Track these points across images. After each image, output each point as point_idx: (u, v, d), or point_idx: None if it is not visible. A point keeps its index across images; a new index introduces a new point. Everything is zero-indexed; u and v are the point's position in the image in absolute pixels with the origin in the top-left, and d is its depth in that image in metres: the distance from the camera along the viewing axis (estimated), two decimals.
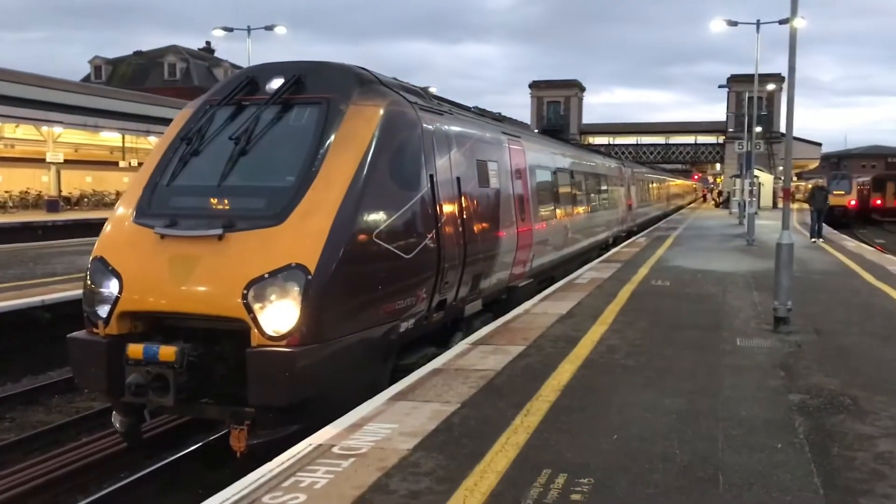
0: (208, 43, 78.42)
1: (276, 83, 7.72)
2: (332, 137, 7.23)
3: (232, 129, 7.51)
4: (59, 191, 38.62)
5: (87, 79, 68.15)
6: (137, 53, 74.50)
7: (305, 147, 7.21)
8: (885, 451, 5.31)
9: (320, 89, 7.63)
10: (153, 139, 41.44)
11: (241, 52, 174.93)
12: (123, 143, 42.40)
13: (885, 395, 6.67)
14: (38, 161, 38.18)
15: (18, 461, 8.00)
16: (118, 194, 43.69)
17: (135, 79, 68.20)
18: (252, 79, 7.92)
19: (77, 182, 43.75)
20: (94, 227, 29.59)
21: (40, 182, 40.51)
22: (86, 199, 41.41)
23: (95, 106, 38.61)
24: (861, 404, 6.40)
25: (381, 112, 7.62)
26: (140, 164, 41.06)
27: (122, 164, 43.66)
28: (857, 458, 5.18)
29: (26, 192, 39.76)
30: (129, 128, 39.82)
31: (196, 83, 68.42)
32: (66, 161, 38.64)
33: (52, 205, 36.19)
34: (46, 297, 12.04)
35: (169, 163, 7.53)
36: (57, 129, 36.09)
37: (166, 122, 39.87)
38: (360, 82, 7.87)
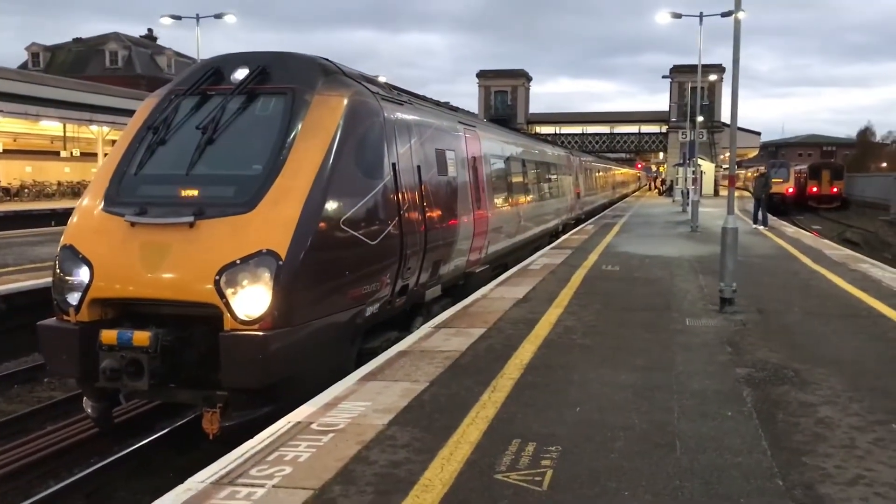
0: (150, 30, 76.87)
1: (242, 73, 7.85)
2: (299, 127, 7.40)
3: (198, 118, 7.63)
4: None
5: (24, 66, 66.20)
6: (77, 41, 72.61)
7: (272, 136, 7.37)
8: (825, 416, 5.76)
9: (285, 79, 7.78)
10: (95, 128, 40.64)
11: (184, 40, 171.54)
12: (65, 132, 41.47)
13: (824, 367, 7.16)
14: None
15: None
16: (59, 185, 42.79)
17: (75, 66, 66.46)
18: (217, 69, 8.03)
19: (16, 172, 42.63)
20: (36, 219, 29.10)
21: None
22: (26, 190, 40.38)
23: (35, 94, 37.62)
24: (803, 376, 6.86)
25: (346, 102, 7.82)
26: (82, 154, 40.34)
27: (63, 153, 42.69)
28: (800, 423, 5.61)
29: None
30: (71, 116, 38.92)
31: (138, 71, 67.11)
32: (4, 151, 37.68)
33: None
34: (2, 287, 11.93)
35: (136, 152, 7.61)
36: None
37: (110, 110, 39.42)
38: (324, 73, 8.05)
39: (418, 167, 9.21)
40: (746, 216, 30.01)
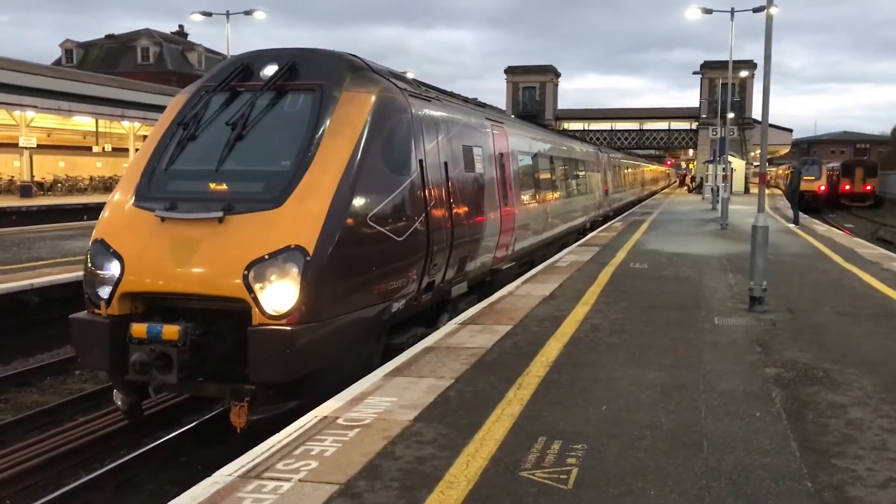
0: (181, 27, 77.70)
1: (271, 70, 7.90)
2: (327, 123, 7.44)
3: (228, 114, 7.69)
4: (32, 176, 38.25)
5: (58, 62, 67.25)
6: (109, 37, 73.57)
7: (301, 132, 7.41)
8: (855, 417, 5.67)
9: (313, 76, 7.82)
10: (127, 124, 41.15)
11: (214, 36, 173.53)
12: (97, 127, 42.06)
13: (855, 367, 7.06)
14: (11, 146, 37.76)
15: (18, 440, 8.17)
16: (92, 179, 43.40)
17: (107, 63, 67.37)
18: (246, 65, 8.08)
19: (50, 167, 43.28)
20: (68, 213, 29.54)
21: (12, 167, 40.08)
22: (59, 185, 41.00)
23: (69, 90, 38.21)
24: (833, 376, 6.77)
25: (373, 98, 7.84)
26: (114, 149, 40.90)
27: (95, 149, 43.29)
28: (830, 424, 5.54)
29: None
30: (103, 112, 39.49)
31: (169, 67, 67.82)
32: (38, 146, 38.24)
33: (26, 190, 35.86)
34: (35, 280, 12.13)
35: (166, 148, 7.69)
36: (30, 114, 35.71)
37: (141, 106, 39.92)
38: (352, 69, 8.07)
39: (445, 163, 9.21)
40: (777, 214, 29.66)
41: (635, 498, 4.31)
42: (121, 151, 43.78)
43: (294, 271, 6.55)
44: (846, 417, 5.68)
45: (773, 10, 10.99)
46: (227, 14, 34.17)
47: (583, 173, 22.39)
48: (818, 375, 6.82)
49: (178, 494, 4.46)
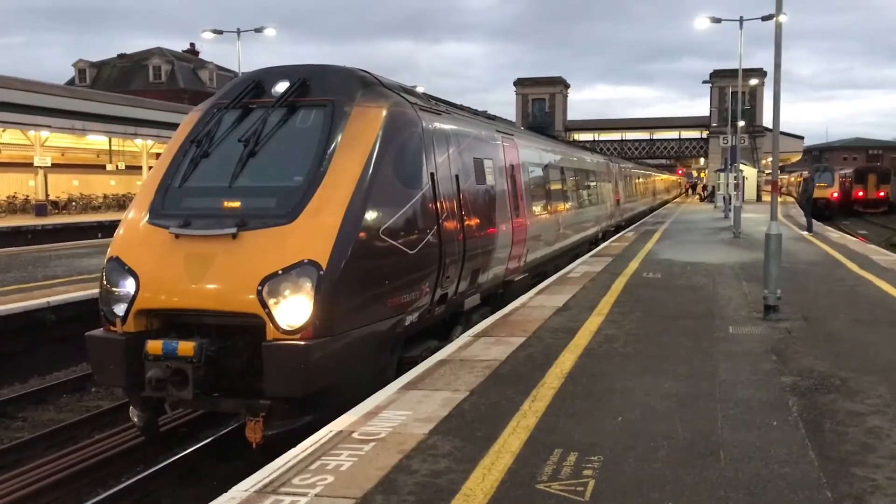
0: (192, 45, 78.33)
1: (282, 86, 7.96)
2: (338, 138, 7.48)
3: (240, 131, 7.75)
4: (47, 195, 38.59)
5: (71, 82, 67.90)
6: (121, 56, 74.25)
7: (313, 148, 7.46)
8: (874, 426, 5.63)
9: (325, 92, 7.88)
10: (140, 142, 41.47)
11: (225, 54, 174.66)
12: (110, 145, 42.38)
13: (873, 375, 7.01)
14: (26, 165, 38.12)
15: (35, 458, 8.20)
16: (105, 197, 43.70)
17: (119, 81, 68.00)
18: (258, 82, 8.15)
19: (64, 186, 43.65)
20: (83, 231, 29.77)
21: (27, 186, 40.46)
22: (73, 203, 41.33)
23: (82, 109, 38.52)
24: (850, 385, 6.73)
25: (384, 113, 7.88)
26: (127, 167, 41.19)
27: (108, 167, 43.63)
28: (848, 432, 5.50)
29: (13, 196, 39.71)
30: (116, 130, 39.79)
31: (181, 85, 68.35)
32: (53, 165, 38.60)
33: (41, 209, 36.19)
34: (52, 298, 12.21)
35: (180, 165, 7.75)
36: (44, 133, 36.05)
37: (153, 124, 40.25)
38: (363, 84, 8.12)
39: (456, 176, 9.24)
40: (790, 222, 29.52)
41: None
42: (134, 169, 44.11)
43: (308, 286, 6.58)
44: (865, 426, 5.63)
45: (783, 18, 10.98)
46: (238, 32, 34.39)
47: (594, 184, 22.38)
48: (835, 384, 6.77)
49: None
